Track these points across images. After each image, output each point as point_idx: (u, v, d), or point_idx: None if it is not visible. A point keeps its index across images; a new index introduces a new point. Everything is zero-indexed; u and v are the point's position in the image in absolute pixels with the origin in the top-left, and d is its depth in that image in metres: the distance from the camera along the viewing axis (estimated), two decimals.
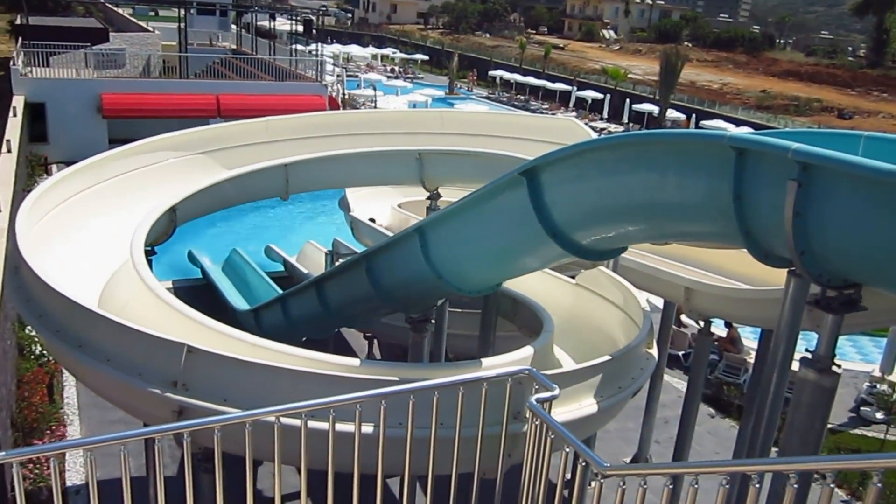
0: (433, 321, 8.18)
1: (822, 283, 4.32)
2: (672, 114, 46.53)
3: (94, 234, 7.89)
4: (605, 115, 49.87)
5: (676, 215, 5.00)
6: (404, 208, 14.12)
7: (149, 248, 8.05)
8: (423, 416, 4.40)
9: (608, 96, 51.64)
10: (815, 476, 5.00)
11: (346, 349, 13.55)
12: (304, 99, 28.89)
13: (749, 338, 15.12)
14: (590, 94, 51.07)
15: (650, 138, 5.55)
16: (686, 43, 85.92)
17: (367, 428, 4.42)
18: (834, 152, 3.90)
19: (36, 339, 11.68)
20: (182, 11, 33.70)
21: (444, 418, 4.44)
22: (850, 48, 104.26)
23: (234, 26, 45.22)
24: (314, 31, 42.31)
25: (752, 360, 13.08)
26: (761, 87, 62.69)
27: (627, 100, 50.19)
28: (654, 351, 7.07)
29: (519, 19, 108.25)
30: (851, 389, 14.46)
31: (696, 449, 10.83)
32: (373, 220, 13.75)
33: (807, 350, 4.62)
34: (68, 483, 9.51)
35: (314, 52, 35.33)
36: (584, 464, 3.79)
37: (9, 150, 17.30)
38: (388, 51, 70.35)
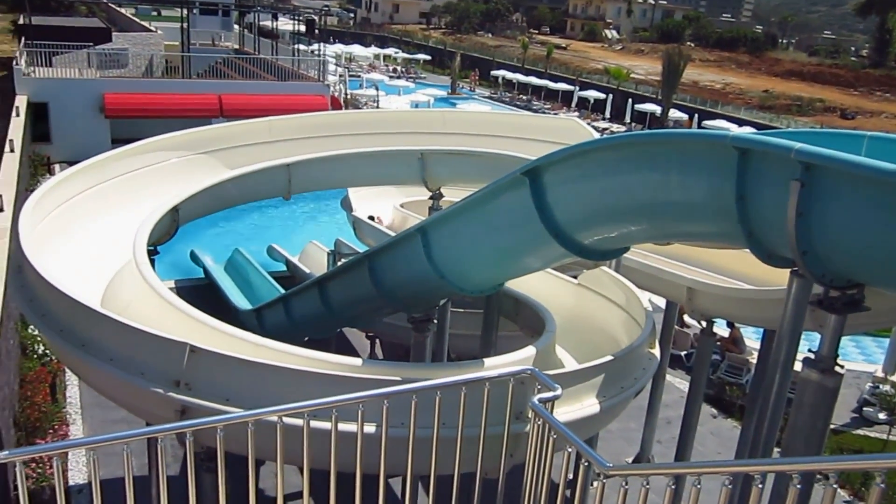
0: (435, 321, 8.17)
1: (824, 284, 4.32)
2: (674, 114, 46.52)
3: (96, 234, 7.90)
4: (608, 115, 49.89)
5: (679, 215, 4.99)
6: (406, 208, 14.12)
7: (151, 248, 8.05)
8: (426, 416, 4.40)
9: (610, 96, 51.65)
10: (818, 476, 5.01)
11: (348, 349, 13.56)
12: (306, 99, 28.92)
13: (751, 338, 15.10)
14: (592, 94, 51.05)
15: (653, 138, 5.54)
16: (689, 43, 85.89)
17: (370, 428, 4.42)
18: (837, 152, 3.90)
19: (39, 339, 11.70)
20: (185, 11, 33.79)
21: (446, 418, 4.45)
22: (852, 48, 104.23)
23: (236, 26, 45.27)
24: (317, 31, 42.30)
25: (754, 361, 13.08)
26: (764, 87, 62.67)
27: (630, 100, 50.21)
28: (657, 351, 7.06)
29: (521, 19, 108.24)
30: (854, 390, 14.44)
31: (698, 449, 10.82)
32: (372, 218, 13.76)
33: (809, 350, 4.62)
34: (71, 482, 9.52)
35: (317, 52, 35.39)
36: (586, 464, 3.78)
37: (12, 150, 17.34)
38: (390, 51, 70.36)
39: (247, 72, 32.36)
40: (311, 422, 4.05)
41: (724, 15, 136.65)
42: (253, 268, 14.21)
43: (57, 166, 24.65)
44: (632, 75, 60.05)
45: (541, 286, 8.44)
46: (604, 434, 9.68)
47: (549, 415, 4.22)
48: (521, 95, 56.16)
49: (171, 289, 7.02)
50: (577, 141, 6.58)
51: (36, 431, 9.93)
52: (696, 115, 46.44)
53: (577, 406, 5.73)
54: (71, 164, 9.11)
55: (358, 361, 6.13)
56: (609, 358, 6.23)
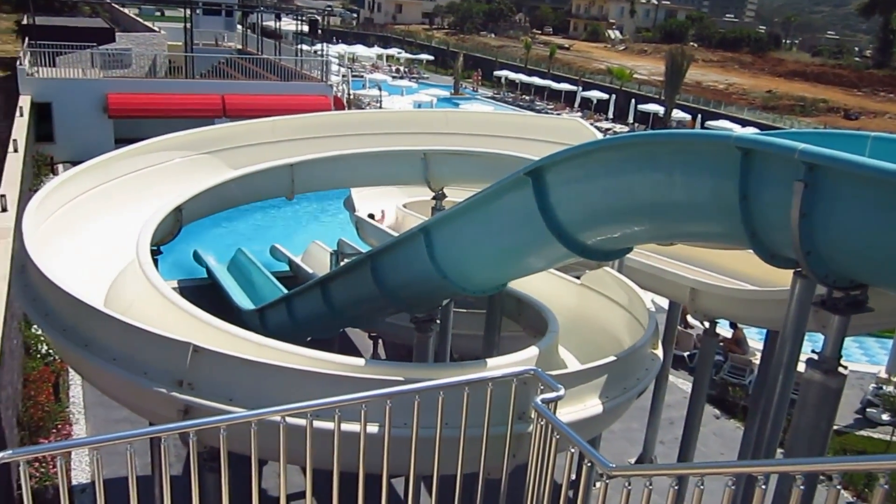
0: (438, 321, 8.17)
1: (828, 284, 4.31)
2: (677, 114, 46.45)
3: (100, 234, 7.92)
4: (611, 115, 49.84)
5: (682, 216, 4.99)
6: (409, 208, 14.13)
7: (154, 248, 8.07)
8: (428, 416, 4.40)
9: (613, 96, 51.58)
10: (821, 477, 4.99)
11: (351, 349, 13.56)
12: (309, 99, 28.95)
13: (754, 339, 15.10)
14: (595, 95, 51.01)
15: (656, 139, 5.54)
16: (691, 43, 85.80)
17: (373, 428, 4.42)
18: (841, 153, 3.89)
19: (42, 338, 11.73)
20: (188, 11, 33.88)
21: (448, 418, 4.45)
22: (856, 48, 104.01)
23: (239, 26, 45.33)
24: (319, 31, 42.30)
25: (757, 361, 13.03)
26: (767, 87, 62.56)
27: (633, 100, 50.14)
28: (660, 352, 7.06)
29: (524, 19, 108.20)
30: (857, 391, 14.42)
31: (700, 450, 10.81)
32: (371, 216, 13.76)
33: (813, 351, 4.61)
34: (74, 482, 9.54)
35: (319, 52, 35.44)
36: (589, 464, 3.78)
37: (15, 150, 17.37)
38: (393, 51, 70.40)
39: (250, 72, 32.41)
40: (313, 422, 4.05)
41: (727, 15, 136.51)
42: (256, 268, 14.22)
43: (60, 166, 24.71)
44: (635, 76, 59.97)
45: (544, 286, 8.44)
46: (606, 435, 9.66)
47: (551, 415, 4.21)
48: (523, 96, 56.15)
49: (174, 289, 7.02)
50: (580, 141, 6.59)
51: (39, 431, 9.95)
52: (700, 116, 46.40)
53: (580, 406, 5.73)
54: (74, 164, 9.13)
55: (361, 361, 6.13)
56: (612, 358, 6.23)
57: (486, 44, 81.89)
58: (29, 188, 17.39)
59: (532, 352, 6.42)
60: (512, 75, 59.05)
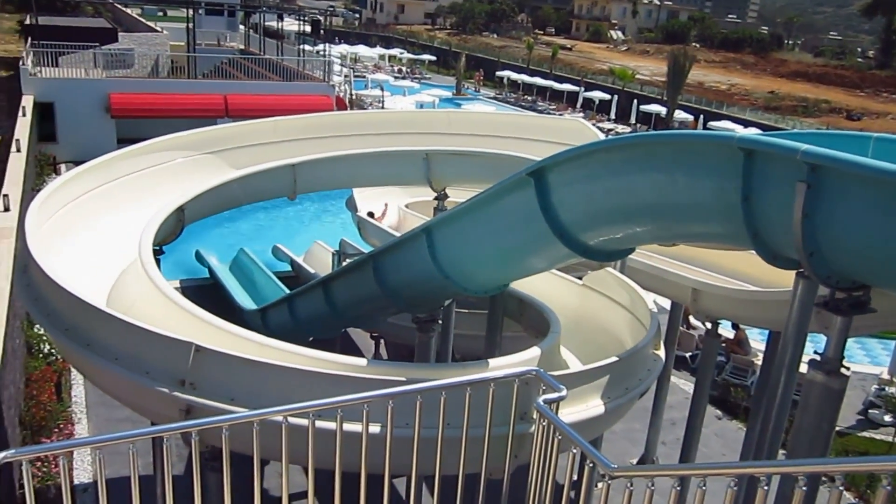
0: (440, 321, 8.17)
1: (830, 285, 4.31)
2: (680, 115, 46.45)
3: (102, 234, 7.93)
4: (613, 115, 49.83)
5: (684, 216, 4.99)
6: (411, 209, 14.13)
7: (157, 248, 8.08)
8: (430, 417, 4.40)
9: (616, 97, 51.58)
10: (824, 478, 4.99)
11: (352, 349, 13.56)
12: (311, 99, 28.98)
13: (756, 339, 15.08)
14: (597, 95, 51.02)
15: (658, 139, 5.54)
16: (694, 44, 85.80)
17: (375, 428, 4.42)
18: (843, 154, 3.89)
19: (44, 338, 11.74)
20: (190, 12, 33.88)
21: (450, 419, 4.45)
22: (858, 49, 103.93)
23: (241, 27, 45.36)
24: (322, 32, 42.32)
25: (759, 362, 13.03)
26: (769, 88, 62.50)
27: (635, 101, 50.12)
28: (662, 352, 7.06)
29: (526, 20, 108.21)
30: (860, 392, 14.40)
31: (702, 451, 10.80)
32: (371, 215, 13.76)
33: (815, 352, 4.61)
34: (76, 481, 9.55)
35: (322, 53, 35.47)
36: (591, 465, 3.78)
37: (18, 150, 17.41)
38: (395, 51, 70.43)
39: (252, 72, 32.43)
40: (315, 422, 4.06)
41: (729, 16, 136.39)
42: (258, 268, 14.23)
43: (63, 166, 24.75)
44: (637, 76, 59.94)
45: (545, 287, 8.44)
46: (608, 435, 9.66)
47: (553, 416, 4.21)
48: (525, 96, 56.16)
49: (176, 288, 7.04)
50: (582, 142, 6.58)
51: (41, 430, 9.96)
52: (702, 116, 46.38)
53: (582, 407, 5.74)
54: (77, 163, 9.13)
55: (363, 362, 6.13)
56: (614, 359, 6.23)
57: (489, 44, 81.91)
58: (31, 188, 17.42)
59: (534, 352, 6.42)
60: (514, 76, 59.06)
